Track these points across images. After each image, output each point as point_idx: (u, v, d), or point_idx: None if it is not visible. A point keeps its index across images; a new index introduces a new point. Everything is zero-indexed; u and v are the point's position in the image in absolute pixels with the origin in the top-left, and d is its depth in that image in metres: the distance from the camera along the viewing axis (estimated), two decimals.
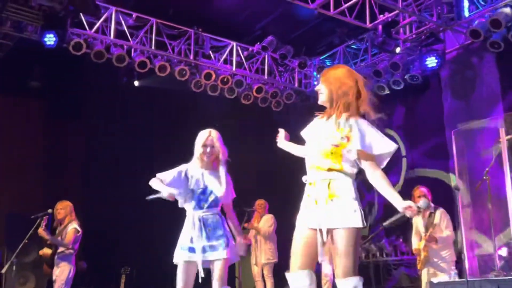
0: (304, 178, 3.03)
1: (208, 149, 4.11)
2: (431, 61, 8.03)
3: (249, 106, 9.41)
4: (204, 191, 4.12)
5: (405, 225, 8.25)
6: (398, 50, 8.14)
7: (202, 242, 4.00)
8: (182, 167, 4.17)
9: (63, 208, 6.53)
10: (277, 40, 8.78)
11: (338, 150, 2.94)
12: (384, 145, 2.94)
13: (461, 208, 5.99)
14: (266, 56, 9.37)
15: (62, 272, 6.21)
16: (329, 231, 2.88)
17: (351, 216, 2.87)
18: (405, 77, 8.46)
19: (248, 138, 9.79)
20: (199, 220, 4.04)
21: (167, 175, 4.12)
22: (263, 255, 7.90)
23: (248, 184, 9.64)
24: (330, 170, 2.93)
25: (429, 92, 8.57)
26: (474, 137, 7.40)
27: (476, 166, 6.97)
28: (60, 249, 6.32)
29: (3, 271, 6.40)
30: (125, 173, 9.38)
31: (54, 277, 6.30)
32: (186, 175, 4.14)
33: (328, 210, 2.89)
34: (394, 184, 8.57)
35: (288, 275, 2.96)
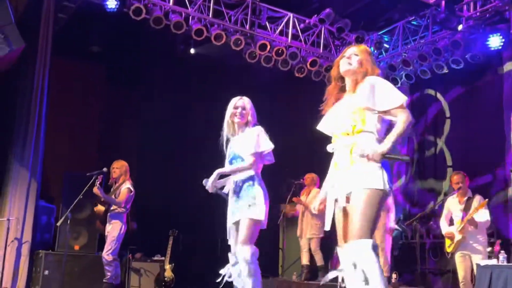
0: (329, 147, 3.07)
1: (239, 110, 4.16)
2: (494, 41, 7.72)
3: (302, 79, 9.32)
4: (234, 156, 4.17)
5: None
6: (460, 27, 7.86)
7: (232, 206, 4.07)
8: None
9: (118, 168, 6.76)
10: (335, 13, 8.64)
11: (359, 109, 2.97)
12: (391, 99, 2.92)
13: None
14: (323, 29, 9.24)
15: (113, 229, 6.46)
16: (348, 196, 2.87)
17: (370, 176, 2.83)
18: (466, 56, 8.20)
19: (299, 111, 9.76)
20: (233, 183, 4.10)
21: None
22: (308, 229, 7.93)
23: (298, 156, 9.68)
24: (352, 133, 2.95)
25: (489, 73, 8.28)
26: None
27: None
28: (113, 207, 6.55)
29: (58, 224, 6.73)
30: (177, 139, 9.57)
31: (106, 233, 6.56)
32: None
33: (349, 175, 2.89)
34: None
35: (338, 250, 2.96)
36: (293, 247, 8.75)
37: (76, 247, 7.50)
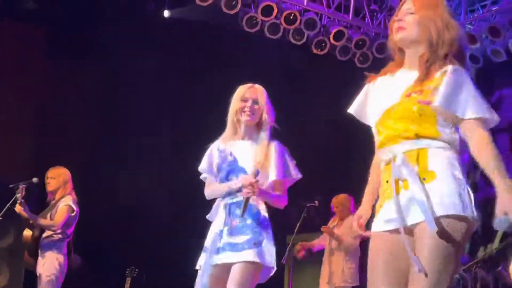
0: (381, 156, 2.95)
1: (249, 104, 4.10)
2: None
3: (323, 58, 9.28)
4: (233, 168, 4.12)
5: None
6: None
7: (222, 239, 4.06)
8: (209, 148, 4.30)
9: (54, 177, 6.71)
10: None
11: (428, 109, 2.80)
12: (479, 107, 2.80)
13: None
14: None
15: (48, 264, 6.35)
16: (415, 226, 2.74)
17: (450, 199, 2.69)
18: None
19: (319, 104, 9.64)
20: (225, 207, 4.11)
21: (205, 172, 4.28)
22: (340, 275, 7.80)
23: (315, 168, 9.50)
24: (418, 137, 2.81)
25: None
26: None
27: None
28: (47, 233, 6.42)
29: None
30: (140, 134, 9.50)
31: (38, 271, 6.41)
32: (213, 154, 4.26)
33: (415, 197, 2.73)
34: None
35: None
36: None
37: None
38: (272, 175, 4.07)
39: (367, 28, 9.39)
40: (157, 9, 9.45)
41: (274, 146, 4.12)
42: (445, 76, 2.80)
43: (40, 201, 7.63)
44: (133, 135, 9.55)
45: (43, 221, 6.43)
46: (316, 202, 8.05)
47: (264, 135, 4.13)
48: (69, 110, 9.77)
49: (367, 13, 9.39)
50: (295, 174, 4.22)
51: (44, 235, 6.46)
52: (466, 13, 9.01)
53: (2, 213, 6.55)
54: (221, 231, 4.08)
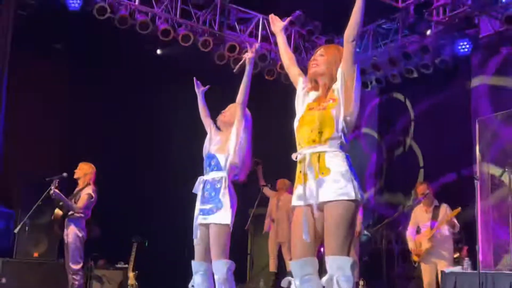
0: (294, 156, 2.99)
1: (222, 112, 4.26)
2: (463, 46, 7.94)
3: (272, 82, 9.38)
4: (209, 154, 4.19)
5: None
6: (428, 32, 8.06)
7: (199, 205, 4.08)
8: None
9: (80, 169, 6.71)
10: (305, 15, 8.73)
11: (327, 114, 2.89)
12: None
13: (479, 199, 6.04)
14: (293, 31, 9.33)
15: (71, 235, 6.40)
16: (320, 206, 2.82)
17: (344, 187, 2.78)
18: (435, 61, 8.40)
19: (270, 115, 9.79)
20: (201, 182, 4.12)
21: None
22: (281, 235, 7.95)
23: (270, 162, 9.68)
24: (320, 142, 2.87)
25: (457, 78, 8.51)
26: (500, 128, 7.36)
27: (499, 157, 6.97)
28: (71, 212, 6.50)
29: (16, 230, 6.63)
30: (143, 141, 9.52)
31: (65, 240, 6.50)
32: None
33: (318, 184, 2.82)
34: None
35: (292, 263, 2.91)
36: (261, 253, 8.80)
37: (36, 254, 7.39)
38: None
39: (303, 60, 9.36)
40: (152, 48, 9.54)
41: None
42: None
43: (68, 189, 7.72)
44: (131, 144, 9.55)
45: (70, 204, 6.46)
46: (269, 185, 8.27)
47: (234, 129, 4.16)
48: (87, 124, 9.80)
49: (303, 49, 9.57)
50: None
51: (69, 213, 6.47)
52: (372, 48, 9.18)
53: (41, 199, 6.61)
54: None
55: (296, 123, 3.04)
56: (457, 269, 5.43)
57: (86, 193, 6.53)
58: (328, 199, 2.78)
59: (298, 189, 2.93)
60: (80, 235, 6.42)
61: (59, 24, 8.57)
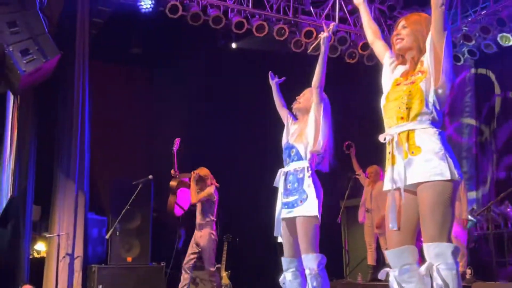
0: (381, 137, 2.83)
1: (296, 99, 4.16)
2: None
3: (354, 65, 9.11)
4: (287, 145, 4.07)
5: None
6: None
7: (281, 199, 3.96)
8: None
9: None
10: None
11: (416, 87, 2.72)
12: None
13: None
14: (373, 8, 8.96)
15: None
16: (413, 189, 2.63)
17: (437, 166, 2.58)
18: None
19: (351, 101, 9.53)
20: (283, 175, 3.99)
21: None
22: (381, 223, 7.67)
23: (358, 149, 9.44)
24: (408, 119, 2.71)
25: None
26: None
27: None
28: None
29: (107, 236, 6.81)
30: (226, 137, 9.53)
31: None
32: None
33: (408, 164, 2.64)
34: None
35: (387, 253, 2.78)
36: (357, 246, 8.57)
37: (129, 259, 7.57)
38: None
39: (386, 38, 9.18)
40: (227, 42, 9.51)
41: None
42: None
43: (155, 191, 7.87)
44: (216, 142, 9.59)
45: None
46: (358, 174, 8.01)
47: (311, 117, 4.01)
48: (171, 125, 9.94)
49: (385, 27, 9.13)
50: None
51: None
52: (462, 18, 8.65)
53: (129, 203, 6.74)
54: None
55: (383, 101, 2.90)
56: None
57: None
58: (420, 180, 2.60)
59: (388, 172, 2.79)
60: (213, 237, 6.53)
61: (134, 27, 8.75)
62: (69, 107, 7.53)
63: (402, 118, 2.73)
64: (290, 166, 3.98)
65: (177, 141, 6.98)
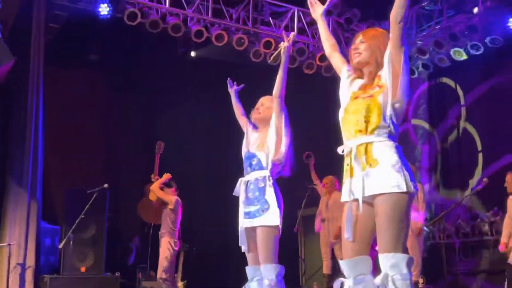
0: (340, 149, 2.87)
1: (255, 109, 4.10)
2: None
3: (312, 76, 9.21)
4: (248, 154, 4.05)
5: (486, 204, 8.04)
6: (476, 10, 7.74)
7: (242, 208, 3.95)
8: None
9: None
10: (342, 3, 8.53)
11: (374, 101, 2.77)
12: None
13: None
14: (331, 21, 9.12)
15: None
16: (370, 201, 2.69)
17: (394, 179, 2.64)
18: (485, 40, 8.07)
19: (310, 110, 9.65)
20: (243, 184, 3.97)
21: None
22: (332, 235, 7.78)
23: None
24: (366, 132, 2.76)
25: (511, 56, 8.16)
26: None
27: None
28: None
29: (60, 246, 6.70)
30: (185, 146, 9.51)
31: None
32: None
33: (366, 176, 2.70)
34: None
35: (341, 263, 2.81)
36: (314, 255, 8.65)
37: (83, 269, 7.44)
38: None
39: (343, 50, 9.35)
40: (186, 51, 9.51)
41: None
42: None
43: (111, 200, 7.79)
44: (173, 149, 9.54)
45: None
46: (315, 184, 8.10)
47: (272, 127, 3.98)
48: (127, 134, 9.85)
49: (342, 39, 9.25)
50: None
51: None
52: (416, 32, 8.89)
53: (83, 212, 6.70)
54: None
55: (341, 114, 2.93)
56: None
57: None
58: (377, 192, 2.66)
59: (346, 184, 2.83)
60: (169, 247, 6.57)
61: (92, 34, 8.65)
62: (23, 113, 7.38)
63: (360, 131, 2.79)
64: (251, 175, 3.97)
65: (161, 145, 6.87)
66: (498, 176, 6.66)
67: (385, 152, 2.72)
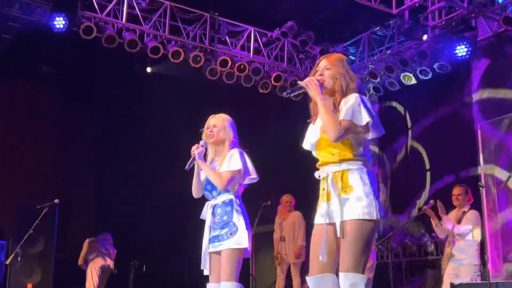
0: (316, 174, 3.02)
1: (209, 130, 4.08)
2: (461, 50, 7.97)
3: (267, 95, 9.38)
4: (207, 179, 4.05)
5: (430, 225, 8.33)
6: (425, 37, 8.10)
7: (210, 232, 3.96)
8: None
9: None
10: (298, 25, 8.76)
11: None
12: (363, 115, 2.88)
13: (486, 207, 6.01)
14: (286, 42, 9.37)
15: None
16: (341, 225, 2.85)
17: (367, 206, 2.83)
18: (433, 66, 8.44)
19: (266, 129, 9.81)
20: (210, 208, 4.00)
21: None
22: (291, 254, 7.95)
23: (267, 176, 9.67)
24: (342, 160, 2.91)
25: (458, 82, 8.54)
26: (504, 132, 7.37)
27: (504, 162, 6.97)
28: None
29: (7, 262, 6.60)
30: (139, 162, 9.51)
31: None
32: None
33: (342, 203, 2.87)
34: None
35: (308, 279, 2.96)
36: (267, 271, 8.74)
37: (29, 286, 7.34)
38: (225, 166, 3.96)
39: (297, 71, 9.56)
40: (142, 66, 9.57)
41: (234, 151, 4.02)
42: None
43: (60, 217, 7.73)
44: (127, 166, 9.60)
45: None
46: (268, 202, 8.22)
47: (228, 152, 4.00)
48: (78, 150, 9.78)
49: (297, 60, 9.59)
50: (253, 174, 4.05)
51: None
52: (368, 56, 9.20)
53: (32, 227, 6.62)
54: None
55: (313, 147, 3.06)
56: (466, 280, 5.38)
57: None
58: (351, 218, 2.83)
59: (321, 207, 2.97)
60: None
61: (45, 46, 8.59)
62: None
63: (335, 161, 2.94)
64: (218, 199, 4.00)
65: None
66: (443, 194, 6.90)
67: (359, 179, 2.89)
